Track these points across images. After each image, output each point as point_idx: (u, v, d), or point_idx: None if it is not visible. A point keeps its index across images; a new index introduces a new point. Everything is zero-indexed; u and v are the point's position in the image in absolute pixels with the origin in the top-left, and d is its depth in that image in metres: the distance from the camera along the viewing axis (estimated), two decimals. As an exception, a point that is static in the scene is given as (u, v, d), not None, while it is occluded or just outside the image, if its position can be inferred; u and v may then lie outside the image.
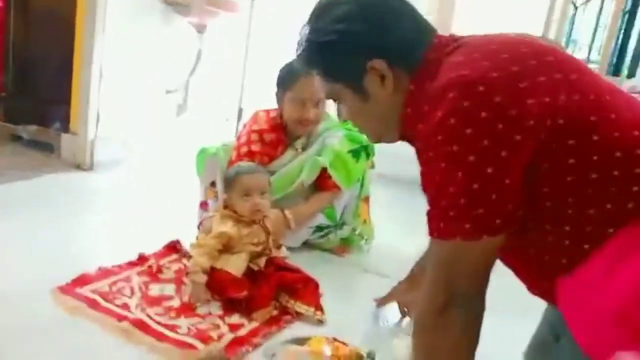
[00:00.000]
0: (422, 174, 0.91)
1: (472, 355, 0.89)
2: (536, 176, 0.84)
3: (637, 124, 0.85)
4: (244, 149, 1.99)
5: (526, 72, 0.84)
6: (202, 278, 1.56)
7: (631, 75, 3.21)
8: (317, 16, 1.00)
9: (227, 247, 1.65)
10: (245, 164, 1.85)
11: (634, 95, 2.38)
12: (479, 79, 0.82)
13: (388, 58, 0.95)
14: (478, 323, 0.88)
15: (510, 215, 0.83)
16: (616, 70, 3.26)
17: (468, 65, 0.85)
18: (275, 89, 2.04)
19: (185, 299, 1.57)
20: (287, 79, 1.98)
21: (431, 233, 0.88)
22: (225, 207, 1.73)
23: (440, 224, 0.85)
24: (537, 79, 0.83)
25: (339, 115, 1.10)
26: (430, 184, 0.87)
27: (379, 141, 1.11)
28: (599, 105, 0.85)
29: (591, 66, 3.45)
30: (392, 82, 0.96)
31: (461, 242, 0.83)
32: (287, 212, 1.91)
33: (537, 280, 0.98)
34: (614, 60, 3.28)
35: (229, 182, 1.73)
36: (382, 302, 1.61)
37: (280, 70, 2.03)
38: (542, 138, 0.82)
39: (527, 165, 0.83)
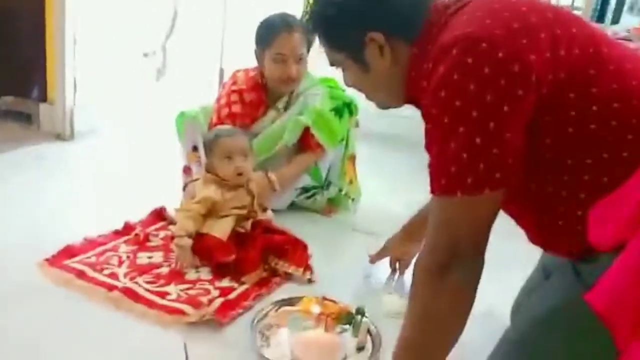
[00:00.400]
0: (426, 131, 0.92)
1: (469, 310, 0.90)
2: (538, 128, 0.87)
3: (634, 74, 0.88)
4: (225, 111, 1.95)
5: (527, 29, 0.86)
6: (188, 242, 1.56)
7: (615, 21, 3.18)
8: None
9: (212, 212, 1.64)
10: (224, 126, 1.82)
11: (618, 41, 2.37)
12: (482, 36, 0.84)
13: (386, 30, 0.98)
14: (476, 280, 0.89)
15: (510, 169, 0.85)
16: (600, 17, 3.22)
17: (471, 23, 0.87)
18: (254, 47, 1.99)
19: (174, 265, 1.56)
20: (266, 37, 1.93)
21: (433, 190, 0.89)
22: (208, 171, 1.71)
23: (442, 180, 0.86)
24: (538, 35, 0.86)
25: (345, 82, 1.14)
26: (434, 141, 0.88)
27: (385, 108, 1.15)
28: (598, 58, 0.88)
29: (575, 12, 3.40)
30: (390, 54, 1.00)
31: (463, 197, 0.84)
32: (270, 174, 1.89)
33: (537, 229, 1.01)
34: (598, 6, 3.24)
35: (209, 146, 1.70)
36: (375, 258, 1.63)
37: (259, 28, 1.97)
38: (544, 92, 0.84)
39: (530, 119, 0.85)
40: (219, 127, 1.84)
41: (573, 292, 0.91)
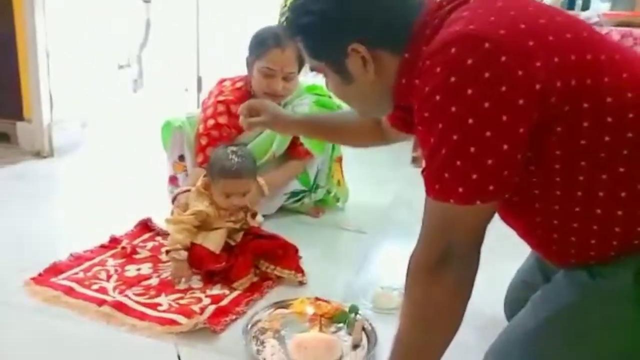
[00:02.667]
0: (417, 132, 0.87)
1: (465, 307, 0.88)
2: (548, 139, 0.82)
3: None
4: (211, 122, 1.91)
5: (535, 31, 0.80)
6: (183, 255, 1.53)
7: (586, 7, 3.22)
8: None
9: (204, 224, 1.61)
10: (233, 161, 1.61)
11: (627, 46, 2.39)
12: (486, 35, 0.77)
13: (369, 41, 0.90)
14: (472, 278, 0.87)
15: (505, 181, 0.81)
16: (571, 3, 3.26)
17: (474, 20, 0.81)
18: (246, 54, 1.93)
19: (166, 276, 1.55)
20: (258, 47, 1.88)
21: (427, 193, 0.86)
22: (205, 188, 1.65)
23: (435, 185, 0.83)
24: (546, 37, 0.80)
25: (327, 87, 1.07)
26: (427, 144, 0.84)
27: (366, 117, 1.09)
28: (611, 65, 0.83)
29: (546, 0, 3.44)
30: (374, 67, 0.92)
31: (455, 205, 0.81)
32: (260, 179, 1.88)
33: (543, 243, 0.98)
34: (569, -7, 3.27)
35: (213, 174, 1.63)
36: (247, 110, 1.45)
37: (254, 37, 1.92)
38: (553, 101, 0.79)
39: (535, 129, 0.80)
40: (228, 154, 1.62)
41: (589, 293, 0.90)
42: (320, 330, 1.32)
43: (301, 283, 1.57)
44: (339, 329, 1.34)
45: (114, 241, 1.74)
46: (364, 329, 1.33)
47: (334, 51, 0.93)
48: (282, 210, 2.05)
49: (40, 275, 1.53)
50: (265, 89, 1.89)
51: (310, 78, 1.98)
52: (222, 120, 1.91)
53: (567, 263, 0.96)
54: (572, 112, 0.80)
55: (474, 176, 0.79)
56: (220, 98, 1.95)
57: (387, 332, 1.32)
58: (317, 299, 1.42)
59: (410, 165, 2.73)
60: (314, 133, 1.51)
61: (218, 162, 1.63)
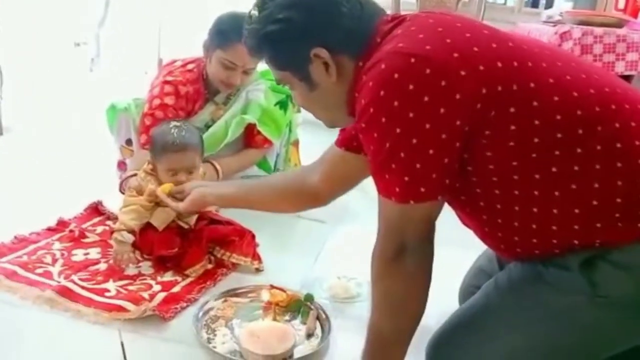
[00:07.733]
0: (362, 139, 0.94)
1: (427, 292, 0.94)
2: (478, 141, 0.87)
3: (575, 85, 0.88)
4: (157, 101, 1.83)
5: (460, 44, 0.86)
6: (126, 237, 1.47)
7: (549, 5, 3.28)
8: (262, 3, 0.99)
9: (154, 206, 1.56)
10: (176, 134, 1.54)
11: (548, 24, 2.43)
12: (412, 50, 0.84)
13: (331, 46, 0.96)
14: (427, 267, 0.93)
15: (435, 184, 0.87)
16: (535, 2, 3.31)
17: (404, 38, 0.88)
18: (205, 36, 1.85)
19: (112, 262, 1.49)
20: (222, 37, 1.79)
21: (377, 189, 0.92)
22: (153, 168, 1.59)
23: (380, 182, 0.91)
24: (471, 49, 0.86)
25: (294, 98, 1.11)
26: (367, 149, 0.92)
27: (333, 126, 1.14)
28: (537, 71, 0.87)
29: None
30: (336, 70, 0.97)
31: (397, 202, 0.88)
32: (215, 163, 1.83)
33: (492, 241, 1.02)
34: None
35: (156, 151, 1.56)
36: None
37: (219, 23, 1.82)
38: (478, 107, 0.84)
39: (464, 134, 0.85)
40: (171, 128, 1.56)
41: (541, 280, 0.93)
42: (274, 318, 1.29)
43: (258, 270, 1.54)
44: (293, 317, 1.32)
45: (62, 224, 1.67)
46: (318, 318, 1.31)
47: (297, 58, 0.98)
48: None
49: (-19, 257, 1.45)
50: (223, 79, 1.84)
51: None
52: (169, 100, 1.83)
53: (518, 259, 0.99)
54: (498, 116, 0.85)
55: (406, 178, 0.86)
56: (169, 78, 1.86)
57: (341, 321, 1.32)
58: (272, 286, 1.39)
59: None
60: (239, 206, 1.48)
61: (160, 138, 1.56)
